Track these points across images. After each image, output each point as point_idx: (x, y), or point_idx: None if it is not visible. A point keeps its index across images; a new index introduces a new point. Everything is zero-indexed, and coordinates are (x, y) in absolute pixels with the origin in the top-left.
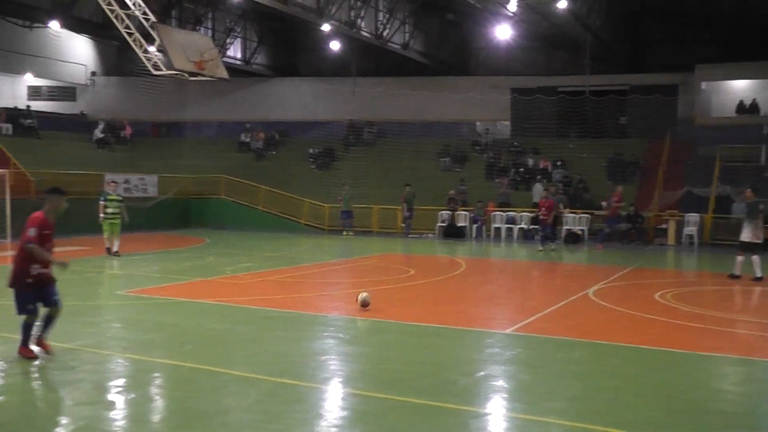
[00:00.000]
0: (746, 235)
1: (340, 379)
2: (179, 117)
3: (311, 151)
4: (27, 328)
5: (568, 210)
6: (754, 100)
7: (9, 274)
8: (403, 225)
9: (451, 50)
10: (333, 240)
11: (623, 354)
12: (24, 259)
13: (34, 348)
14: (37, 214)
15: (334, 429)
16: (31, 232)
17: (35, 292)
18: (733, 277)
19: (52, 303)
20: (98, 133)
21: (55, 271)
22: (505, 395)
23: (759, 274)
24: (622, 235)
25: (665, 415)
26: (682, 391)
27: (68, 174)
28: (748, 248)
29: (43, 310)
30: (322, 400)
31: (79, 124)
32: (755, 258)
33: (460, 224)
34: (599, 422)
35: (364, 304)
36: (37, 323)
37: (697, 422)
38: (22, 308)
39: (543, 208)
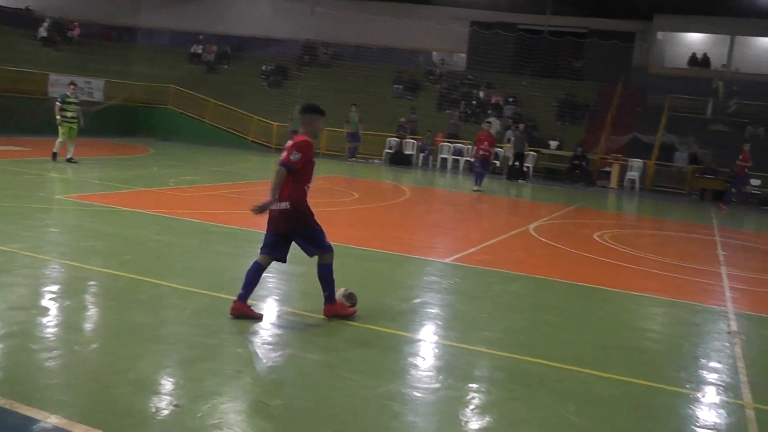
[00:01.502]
0: None
1: (278, 297)
2: (131, 22)
3: (264, 68)
4: None
5: (528, 148)
6: (706, 53)
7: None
8: (349, 143)
9: None
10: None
11: (559, 289)
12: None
13: None
14: (304, 138)
15: (269, 346)
16: (294, 156)
17: None
18: None
19: None
20: (43, 31)
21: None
22: (440, 323)
23: None
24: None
25: (596, 350)
26: (613, 328)
27: (9, 71)
28: None
29: None
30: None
31: (24, 20)
32: None
33: (407, 152)
34: (531, 354)
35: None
36: None
37: (625, 359)
38: None
39: (485, 143)
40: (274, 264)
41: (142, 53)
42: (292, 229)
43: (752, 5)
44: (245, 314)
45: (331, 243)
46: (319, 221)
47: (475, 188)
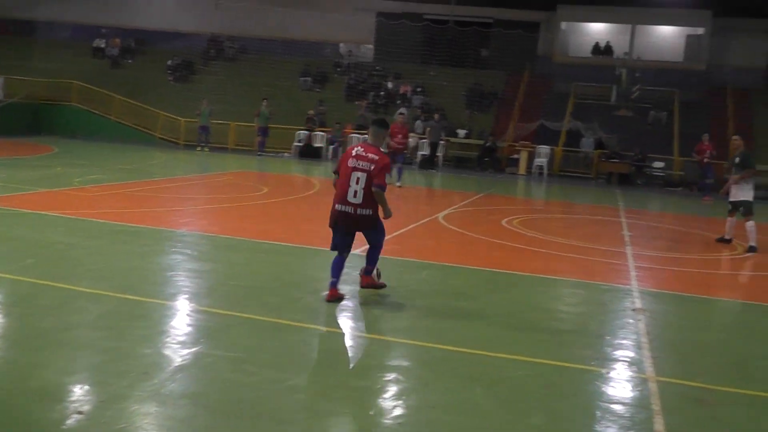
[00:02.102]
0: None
1: (187, 296)
2: (30, 15)
3: (170, 62)
4: None
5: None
6: (609, 42)
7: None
8: (259, 138)
9: None
10: (188, 155)
11: (469, 276)
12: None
13: None
14: (385, 157)
15: (177, 345)
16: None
17: None
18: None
19: None
20: None
21: None
22: (349, 314)
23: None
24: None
25: (505, 333)
26: (521, 311)
27: None
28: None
29: None
30: (166, 317)
31: None
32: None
33: (317, 145)
34: (440, 340)
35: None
36: None
37: (534, 339)
38: None
39: (399, 135)
40: (180, 261)
41: (42, 48)
42: (369, 227)
43: None
44: (338, 297)
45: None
46: (228, 217)
47: (397, 184)
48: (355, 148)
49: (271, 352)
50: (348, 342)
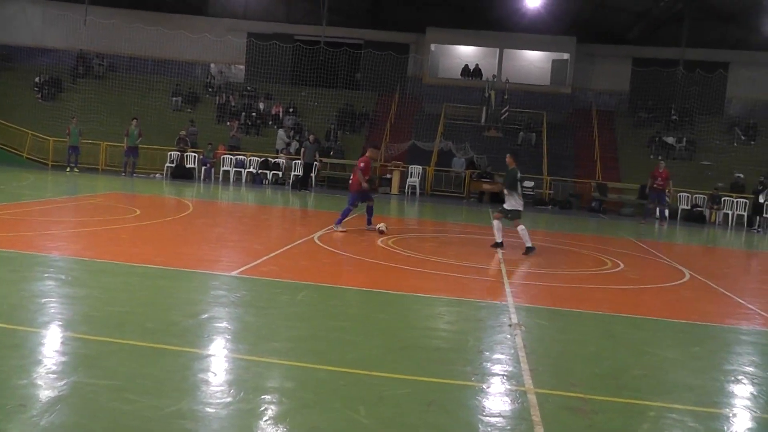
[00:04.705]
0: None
1: (61, 323)
2: None
3: (37, 79)
4: None
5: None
6: (477, 65)
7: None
8: (127, 158)
9: None
10: (57, 176)
11: (346, 296)
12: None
13: None
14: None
15: (53, 375)
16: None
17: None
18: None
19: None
20: None
21: None
22: (228, 336)
23: (529, 244)
24: None
25: (385, 352)
26: (400, 330)
27: None
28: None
29: None
30: (41, 345)
31: None
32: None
33: (189, 166)
34: (321, 361)
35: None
36: None
37: (414, 358)
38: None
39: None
40: (53, 287)
41: None
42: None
43: (517, 22)
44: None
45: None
46: (101, 240)
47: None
48: None
49: (152, 378)
50: (229, 365)
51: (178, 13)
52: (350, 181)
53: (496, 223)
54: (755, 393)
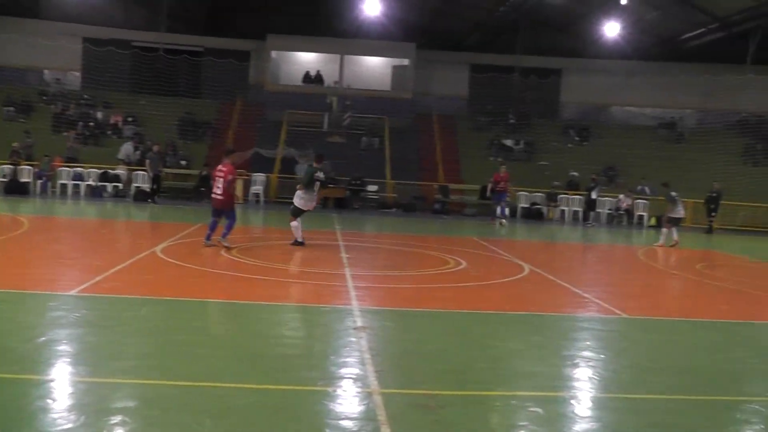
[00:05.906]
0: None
1: None
2: None
3: None
4: None
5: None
6: (319, 71)
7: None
8: None
9: None
10: None
11: (191, 309)
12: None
13: None
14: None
15: None
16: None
17: None
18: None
19: None
20: None
21: None
22: (69, 359)
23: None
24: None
25: (231, 363)
26: (246, 339)
27: None
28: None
29: None
30: None
31: None
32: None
33: (23, 180)
34: (169, 377)
35: None
36: None
37: (261, 367)
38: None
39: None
40: None
41: None
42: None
43: (357, 28)
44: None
45: None
46: None
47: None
48: None
49: None
50: (70, 389)
51: (8, 15)
52: (217, 197)
53: (294, 223)
54: (591, 375)
